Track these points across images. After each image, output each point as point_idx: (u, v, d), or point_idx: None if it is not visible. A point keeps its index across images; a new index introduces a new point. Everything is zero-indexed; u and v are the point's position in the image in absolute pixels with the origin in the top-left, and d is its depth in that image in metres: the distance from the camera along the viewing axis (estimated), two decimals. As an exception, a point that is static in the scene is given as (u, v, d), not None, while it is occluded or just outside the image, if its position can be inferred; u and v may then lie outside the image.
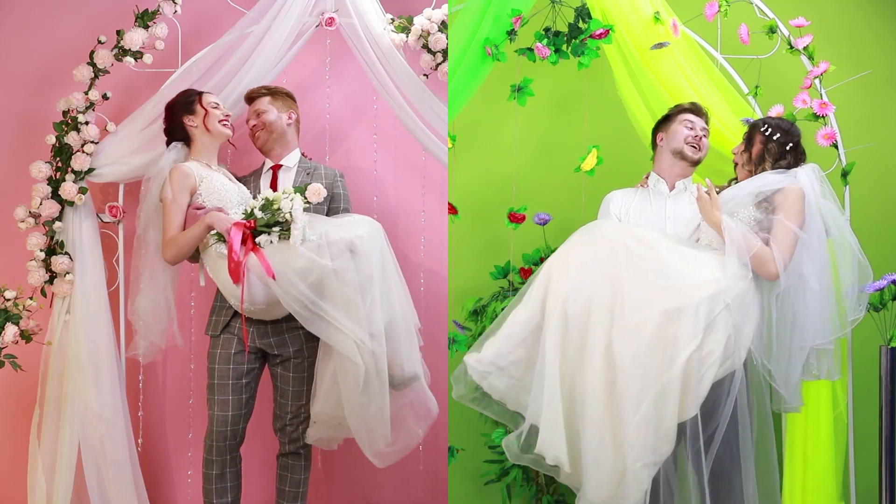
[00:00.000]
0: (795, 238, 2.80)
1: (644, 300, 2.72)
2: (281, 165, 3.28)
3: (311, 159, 3.38)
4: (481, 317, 3.33)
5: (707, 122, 3.12)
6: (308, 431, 3.17)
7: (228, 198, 3.10)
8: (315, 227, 2.98)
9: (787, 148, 2.91)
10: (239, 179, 3.30)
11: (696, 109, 3.11)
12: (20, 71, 3.47)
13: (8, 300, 3.01)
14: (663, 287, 2.73)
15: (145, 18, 3.23)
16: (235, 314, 3.12)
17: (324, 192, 3.09)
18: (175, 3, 3.26)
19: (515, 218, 3.36)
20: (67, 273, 3.14)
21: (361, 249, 2.98)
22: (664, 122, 3.13)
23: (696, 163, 3.11)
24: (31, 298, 3.07)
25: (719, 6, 3.12)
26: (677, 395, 2.66)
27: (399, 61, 3.20)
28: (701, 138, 3.08)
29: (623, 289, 2.74)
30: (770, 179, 2.87)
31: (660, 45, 3.01)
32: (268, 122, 3.23)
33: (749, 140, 2.95)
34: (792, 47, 3.15)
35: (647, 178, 3.18)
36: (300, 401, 3.18)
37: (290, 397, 3.18)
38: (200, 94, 3.17)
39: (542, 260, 3.35)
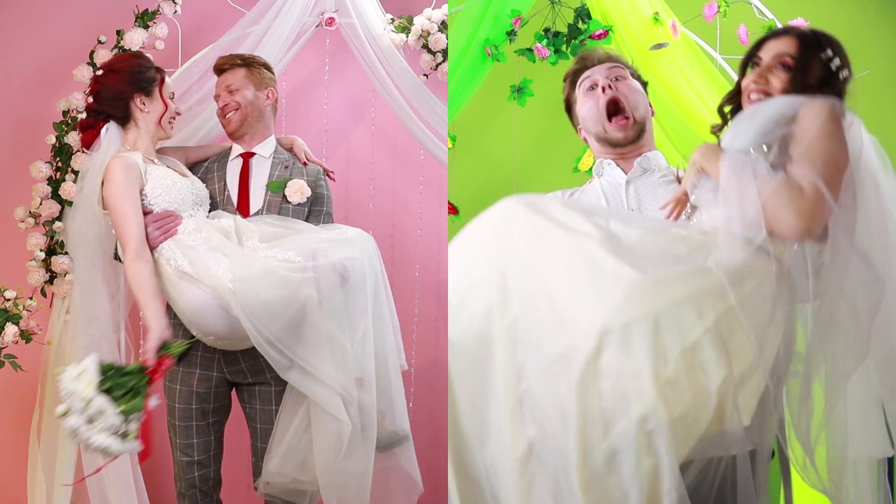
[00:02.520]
0: (834, 179, 1.73)
1: (570, 314, 1.66)
2: (254, 154, 2.78)
3: (290, 150, 2.89)
4: (481, 317, 3.33)
5: (623, 64, 2.38)
6: (258, 484, 2.56)
7: (181, 198, 2.54)
8: (297, 244, 2.46)
9: (843, 78, 1.99)
10: (193, 167, 2.79)
11: (588, 60, 2.38)
12: (20, 71, 3.47)
13: (8, 300, 3.00)
14: (601, 293, 1.64)
15: (145, 18, 3.23)
16: (197, 341, 2.55)
17: (307, 192, 2.70)
18: (175, 3, 3.26)
19: (515, 218, 3.36)
20: (67, 273, 3.14)
21: (354, 275, 2.44)
22: (570, 103, 2.48)
23: (634, 138, 2.31)
24: (31, 298, 3.07)
25: (718, 7, 3.12)
26: (633, 469, 1.60)
27: (399, 61, 3.20)
28: (617, 101, 2.26)
29: (537, 293, 1.70)
30: (792, 99, 1.90)
31: (659, 46, 3.01)
32: (243, 102, 2.75)
33: (804, 64, 1.96)
34: (791, 47, 3.15)
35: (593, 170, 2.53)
36: None
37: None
38: (163, 75, 2.67)
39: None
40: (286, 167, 2.78)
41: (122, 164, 2.48)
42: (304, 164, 2.84)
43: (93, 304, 2.62)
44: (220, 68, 2.83)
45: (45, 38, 3.47)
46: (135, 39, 3.21)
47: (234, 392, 2.76)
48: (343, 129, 3.60)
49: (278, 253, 2.44)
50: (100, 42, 3.21)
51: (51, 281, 3.17)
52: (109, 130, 2.59)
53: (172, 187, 2.55)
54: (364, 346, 2.45)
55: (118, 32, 3.21)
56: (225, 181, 2.76)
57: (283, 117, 3.53)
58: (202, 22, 3.43)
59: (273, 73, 2.89)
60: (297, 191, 2.70)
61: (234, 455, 2.91)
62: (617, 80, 2.35)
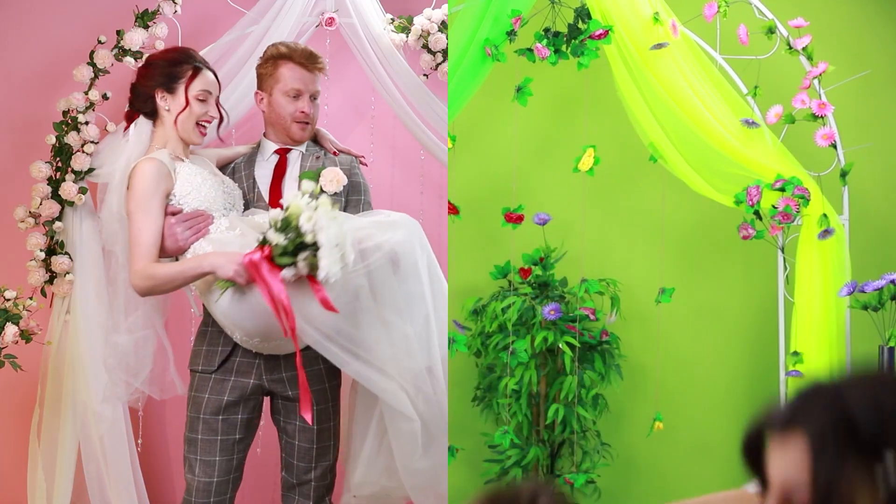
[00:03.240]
0: None
1: None
2: (290, 149, 2.71)
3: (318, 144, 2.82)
4: (481, 316, 3.33)
5: None
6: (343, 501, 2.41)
7: (212, 197, 2.41)
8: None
9: None
10: (222, 169, 2.67)
11: None
12: (20, 71, 3.46)
13: (8, 300, 3.00)
14: None
15: (145, 18, 3.23)
16: (236, 346, 2.43)
17: (344, 179, 2.57)
18: (175, 3, 3.26)
19: (512, 218, 3.36)
20: (67, 273, 3.14)
21: (406, 260, 2.29)
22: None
23: None
24: (31, 298, 3.07)
25: (718, 7, 3.12)
26: None
27: (399, 61, 3.21)
28: None
29: None
30: None
31: (659, 46, 3.01)
32: (316, 116, 2.67)
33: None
34: (791, 48, 3.15)
35: None
36: (325, 460, 2.47)
37: (315, 457, 2.43)
38: (196, 71, 2.50)
39: (541, 260, 3.35)
40: (317, 157, 2.69)
41: (152, 168, 2.34)
42: (336, 153, 2.75)
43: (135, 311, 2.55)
44: (305, 67, 2.63)
45: (45, 38, 3.46)
46: (135, 39, 3.20)
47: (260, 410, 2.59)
48: (343, 129, 3.60)
49: None
50: (100, 42, 3.20)
51: (51, 281, 3.16)
52: (138, 125, 2.51)
53: (202, 185, 2.41)
54: (428, 333, 2.29)
55: (118, 32, 3.21)
56: (254, 178, 2.66)
57: (283, 117, 3.53)
58: (202, 22, 3.43)
59: None
60: (333, 179, 2.56)
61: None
62: None
